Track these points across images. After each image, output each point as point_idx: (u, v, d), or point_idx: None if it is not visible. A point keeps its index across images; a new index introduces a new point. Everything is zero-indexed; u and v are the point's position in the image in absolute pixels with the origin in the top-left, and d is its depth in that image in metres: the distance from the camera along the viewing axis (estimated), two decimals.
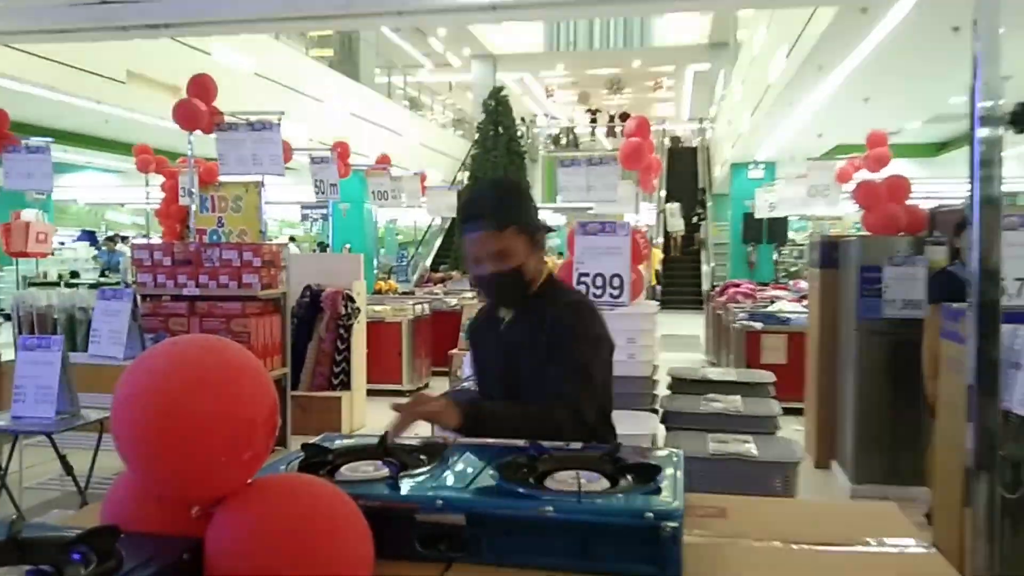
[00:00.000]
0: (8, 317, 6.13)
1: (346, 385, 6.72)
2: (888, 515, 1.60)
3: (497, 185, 2.05)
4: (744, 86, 13.18)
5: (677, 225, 17.93)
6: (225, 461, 1.13)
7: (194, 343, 1.18)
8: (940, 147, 14.34)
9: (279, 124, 5.73)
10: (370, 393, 7.15)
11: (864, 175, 7.34)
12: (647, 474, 1.41)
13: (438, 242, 18.57)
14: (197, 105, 5.63)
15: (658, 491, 1.34)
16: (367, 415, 6.93)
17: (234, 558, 1.12)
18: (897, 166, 7.54)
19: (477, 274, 1.96)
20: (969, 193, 1.52)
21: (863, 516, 1.62)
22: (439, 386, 7.99)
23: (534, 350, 1.94)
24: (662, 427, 3.33)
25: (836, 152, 12.23)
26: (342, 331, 6.76)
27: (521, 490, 1.36)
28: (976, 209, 0.92)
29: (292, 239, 18.72)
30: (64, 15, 6.01)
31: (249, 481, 1.19)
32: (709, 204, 18.25)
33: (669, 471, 1.43)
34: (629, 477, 1.43)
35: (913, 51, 6.90)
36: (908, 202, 5.27)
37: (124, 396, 1.13)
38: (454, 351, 7.60)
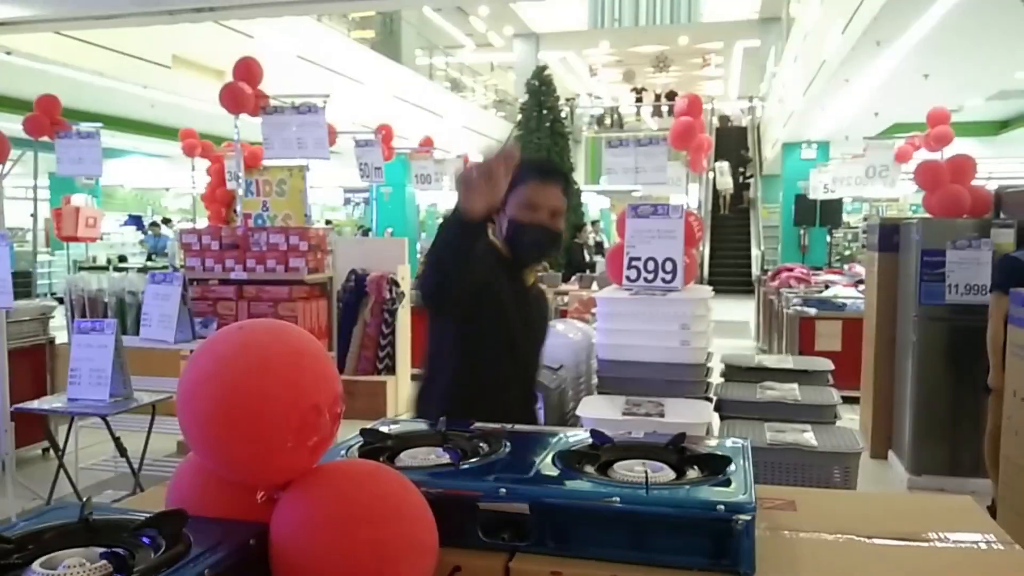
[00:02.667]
0: (61, 300, 6.27)
1: (391, 369, 6.74)
2: (965, 509, 1.54)
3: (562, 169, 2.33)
4: (796, 63, 12.86)
5: (726, 184, 18.27)
6: (291, 446, 1.11)
7: (259, 328, 1.16)
8: (1003, 125, 13.86)
9: (324, 107, 5.73)
10: (414, 378, 7.16)
11: (924, 155, 7.11)
12: (715, 465, 1.37)
13: None
14: (243, 88, 5.65)
15: (728, 483, 1.29)
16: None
17: (300, 543, 1.10)
18: (957, 145, 7.29)
19: (535, 220, 2.04)
20: None
21: (939, 510, 1.56)
22: None
23: (543, 319, 2.30)
24: (716, 415, 3.26)
25: (893, 131, 11.90)
26: (387, 315, 6.78)
27: (586, 480, 1.32)
28: None
29: (328, 222, 18.87)
30: (112, 1, 6.10)
31: (314, 466, 1.18)
32: (759, 182, 18.13)
33: (738, 462, 1.38)
34: (696, 468, 1.39)
35: (977, 24, 6.65)
36: (972, 183, 5.09)
37: (191, 381, 1.11)
38: None
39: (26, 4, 6.00)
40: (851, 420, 5.48)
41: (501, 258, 2.09)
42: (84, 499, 1.14)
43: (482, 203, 1.67)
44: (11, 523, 1.16)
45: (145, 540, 1.08)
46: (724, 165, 18.18)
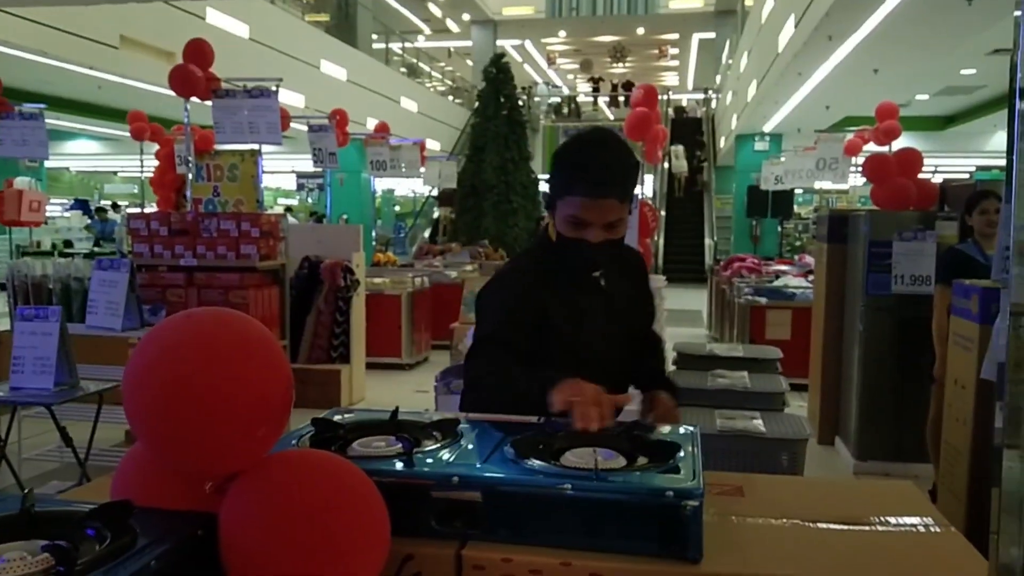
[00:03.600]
0: (3, 287, 6.09)
1: (345, 358, 6.69)
2: (905, 494, 1.59)
3: (625, 153, 1.83)
4: (751, 56, 13.03)
5: (681, 167, 18.50)
6: (240, 437, 1.10)
7: (207, 317, 1.15)
8: (948, 120, 14.23)
9: (277, 91, 5.64)
10: (369, 366, 7.13)
11: (873, 148, 7.27)
12: (664, 452, 1.39)
13: (436, 213, 18.51)
14: (193, 71, 5.53)
15: (677, 469, 1.31)
16: (367, 388, 6.92)
17: (250, 534, 1.09)
18: (905, 139, 7.47)
19: (575, 236, 1.82)
20: (1004, 168, 1.47)
21: (881, 494, 1.61)
22: (440, 360, 7.96)
23: (641, 304, 2.06)
24: None
25: (844, 124, 12.13)
26: (341, 303, 6.72)
27: (538, 467, 1.33)
28: (1014, 185, 0.88)
29: (288, 209, 18.62)
30: None
31: (264, 456, 1.16)
32: (713, 173, 18.40)
33: (687, 449, 1.40)
34: (646, 455, 1.41)
35: (925, 21, 6.80)
36: (918, 176, 5.22)
37: (137, 370, 1.09)
38: (456, 324, 7.55)
39: None
40: (800, 407, 5.60)
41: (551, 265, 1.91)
42: (26, 490, 1.11)
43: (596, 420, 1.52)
44: None
45: (90, 532, 1.06)
46: (679, 148, 18.47)
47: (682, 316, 10.89)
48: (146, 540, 1.04)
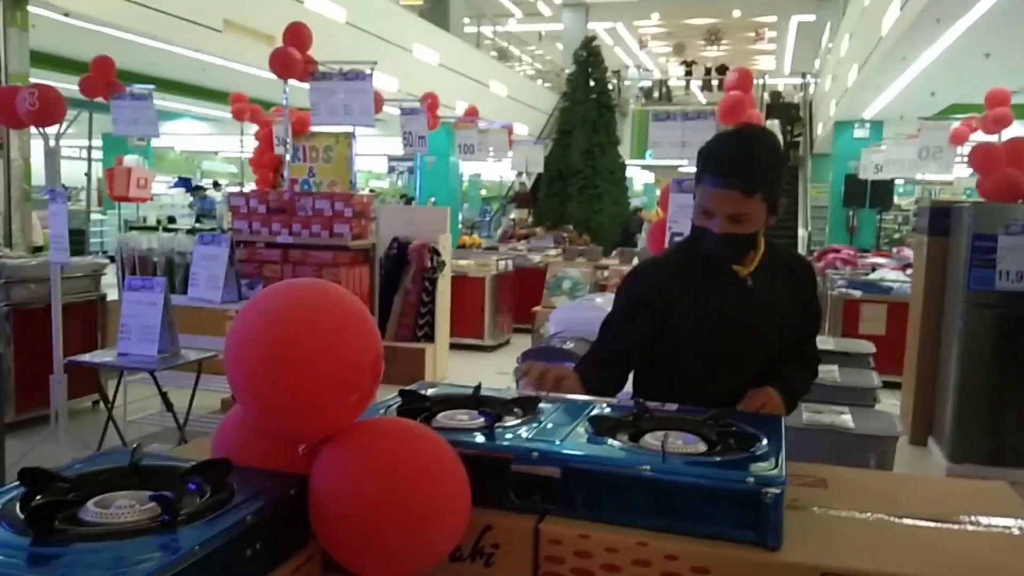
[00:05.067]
0: (112, 259, 6.44)
1: (430, 337, 6.82)
2: (1000, 494, 1.53)
3: (762, 149, 1.82)
4: (852, 39, 12.52)
5: None
6: (333, 402, 1.15)
7: (307, 287, 1.20)
8: None
9: (371, 74, 5.75)
10: (452, 347, 7.24)
11: (981, 137, 6.90)
12: (748, 440, 1.38)
13: (512, 214, 18.55)
14: (292, 54, 5.70)
15: (760, 457, 1.30)
16: (449, 368, 7.04)
17: (339, 495, 1.15)
18: (1015, 128, 7.06)
19: (703, 225, 1.84)
20: None
21: (973, 493, 1.55)
22: (522, 343, 8.03)
23: (792, 306, 1.97)
24: None
25: (950, 112, 11.52)
26: (427, 284, 6.84)
27: (617, 447, 1.34)
28: None
29: (372, 191, 19.01)
30: None
31: (354, 422, 1.21)
32: (810, 161, 17.85)
33: (771, 438, 1.39)
34: (729, 442, 1.40)
35: None
36: None
37: (240, 336, 1.15)
38: (537, 308, 7.60)
39: None
40: (892, 405, 5.41)
41: (708, 261, 1.90)
42: (134, 445, 1.19)
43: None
44: (68, 464, 1.22)
45: (191, 486, 1.13)
46: (775, 123, 18.08)
47: None
48: (242, 496, 1.11)
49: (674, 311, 1.89)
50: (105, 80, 6.29)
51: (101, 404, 5.48)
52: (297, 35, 5.76)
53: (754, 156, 1.80)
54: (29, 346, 4.95)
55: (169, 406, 4.13)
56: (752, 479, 1.20)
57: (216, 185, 18.21)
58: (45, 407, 4.70)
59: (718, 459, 1.30)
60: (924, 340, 5.19)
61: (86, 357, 4.10)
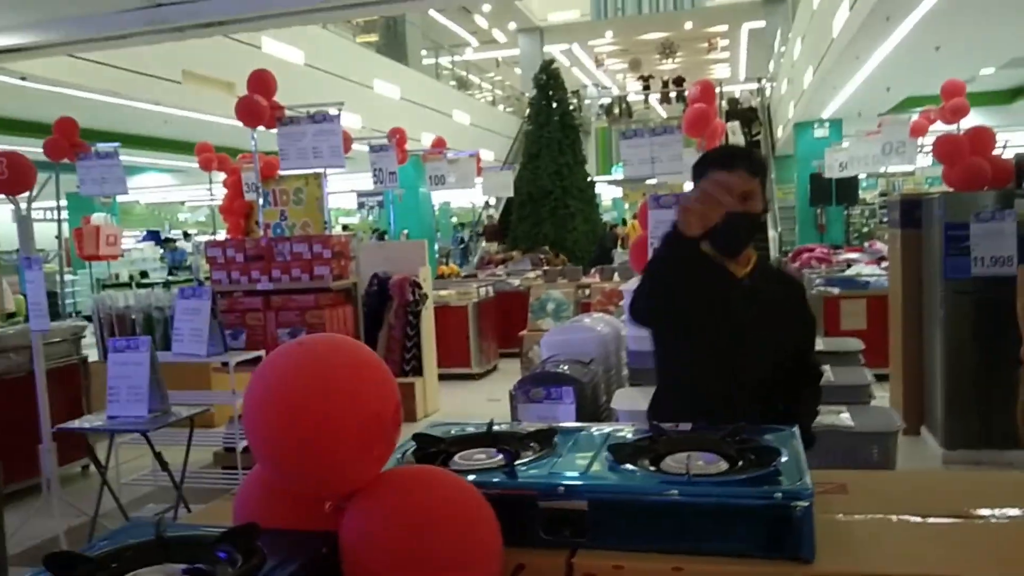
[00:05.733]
0: (88, 319, 6.35)
1: (418, 371, 6.78)
2: (1016, 482, 1.55)
3: (747, 148, 2.18)
4: (805, 41, 12.76)
5: (738, 142, 18.43)
6: (357, 456, 1.14)
7: (319, 343, 1.20)
8: (1016, 93, 13.68)
9: (339, 115, 5.76)
10: (441, 377, 7.21)
11: (940, 128, 7.05)
12: (768, 454, 1.38)
13: (482, 244, 18.61)
14: (258, 101, 5.69)
15: (784, 470, 1.31)
16: (440, 400, 7.00)
17: (371, 550, 1.14)
18: (969, 116, 7.22)
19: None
20: None
21: (994, 486, 1.57)
22: (509, 368, 8.02)
23: (783, 314, 2.06)
24: None
25: (905, 105, 11.78)
26: (411, 317, 6.82)
27: (643, 474, 1.35)
28: None
29: (346, 227, 18.97)
30: (121, 22, 6.15)
31: (379, 473, 1.20)
32: (773, 164, 18.16)
33: (791, 449, 1.40)
34: (748, 457, 1.40)
35: None
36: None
37: (256, 399, 1.14)
38: (524, 332, 7.59)
39: (39, 30, 6.07)
40: (881, 398, 5.46)
41: (703, 261, 1.96)
42: (158, 517, 1.17)
43: (696, 221, 1.76)
44: (90, 544, 1.19)
45: (222, 555, 1.11)
46: (735, 124, 18.58)
47: None
48: (275, 561, 1.09)
49: (674, 298, 1.94)
50: (69, 141, 6.24)
51: (91, 468, 5.37)
52: (261, 82, 5.76)
53: (748, 149, 2.17)
54: (13, 416, 4.85)
55: (164, 465, 4.05)
56: (780, 494, 1.21)
57: (186, 235, 18.07)
58: (33, 476, 4.61)
59: (743, 476, 1.31)
60: (907, 332, 5.26)
61: (75, 423, 4.02)
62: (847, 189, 13.71)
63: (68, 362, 5.42)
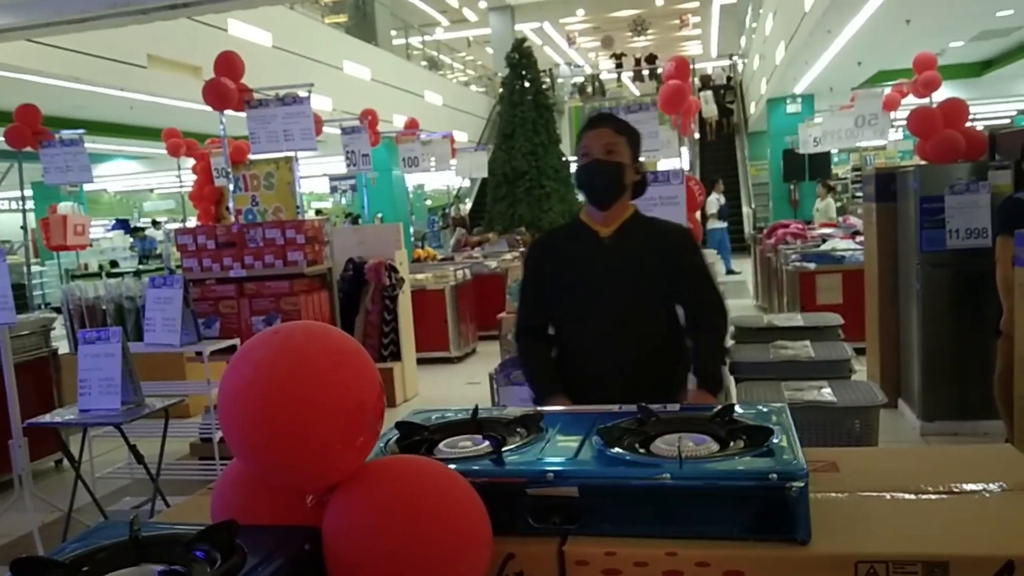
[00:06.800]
0: (57, 310, 6.22)
1: (396, 356, 6.72)
2: (1007, 457, 1.54)
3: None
4: (776, 17, 12.76)
5: (711, 111, 19.02)
6: (339, 447, 1.10)
7: (296, 330, 1.14)
8: (985, 66, 13.81)
9: (309, 97, 5.65)
10: (419, 362, 7.16)
11: (912, 101, 7.08)
12: (760, 433, 1.36)
13: (468, 204, 18.52)
14: (226, 84, 5.56)
15: (777, 450, 1.28)
16: (419, 384, 6.96)
17: (356, 544, 1.09)
18: (940, 89, 7.26)
19: (581, 164, 2.19)
20: None
21: (983, 460, 1.56)
22: (488, 351, 7.97)
23: (647, 267, 2.17)
24: (731, 378, 3.26)
25: (877, 79, 11.85)
26: (388, 302, 6.75)
27: (632, 458, 1.31)
28: None
29: (319, 212, 18.77)
30: (83, 4, 5.98)
31: (362, 465, 1.16)
32: (746, 141, 18.30)
33: (783, 428, 1.37)
34: (739, 437, 1.38)
35: None
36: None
37: (232, 389, 1.09)
38: (502, 314, 7.53)
39: None
40: (858, 372, 5.50)
41: (575, 227, 2.27)
42: (132, 516, 1.12)
43: None
44: (60, 547, 1.14)
45: (199, 555, 1.07)
46: (708, 94, 19.04)
47: (728, 287, 10.76)
48: (256, 559, 1.05)
49: (545, 279, 2.22)
50: (32, 128, 6.09)
51: (65, 463, 5.27)
52: (228, 64, 5.63)
53: (616, 116, 2.29)
54: None
55: (139, 458, 3.97)
56: (775, 475, 1.18)
57: (155, 224, 17.78)
58: (5, 472, 4.51)
59: (735, 457, 1.28)
60: (883, 305, 5.28)
61: (47, 418, 3.92)
62: (820, 164, 13.80)
63: (38, 355, 5.31)
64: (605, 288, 2.16)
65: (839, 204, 13.21)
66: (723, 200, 13.11)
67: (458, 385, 7.16)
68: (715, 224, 12.63)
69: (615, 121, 2.24)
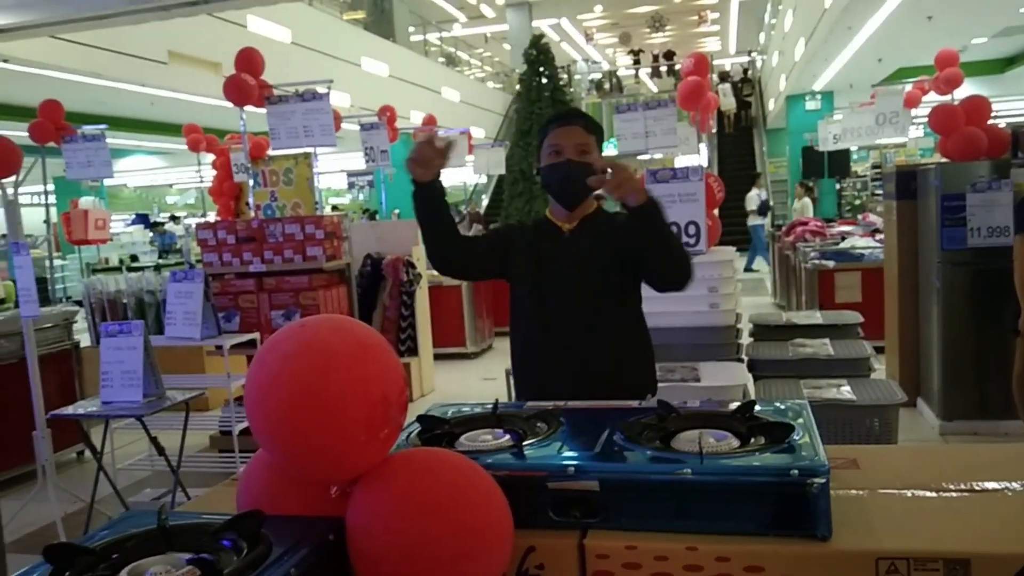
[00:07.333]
0: (79, 304, 6.29)
1: (413, 351, 6.75)
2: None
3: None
4: (796, 13, 12.68)
5: (729, 104, 18.96)
6: (363, 440, 1.11)
7: (321, 324, 1.16)
8: (1008, 62, 13.66)
9: (328, 93, 5.68)
10: (436, 357, 7.19)
11: (933, 98, 7.01)
12: (781, 430, 1.36)
13: (485, 200, 18.52)
14: (246, 80, 5.60)
15: (796, 446, 1.29)
16: (436, 380, 6.98)
17: (379, 535, 1.11)
18: (967, 87, 7.19)
19: (553, 163, 2.18)
20: None
21: (1004, 458, 1.55)
22: (504, 347, 7.97)
23: (605, 257, 2.18)
24: (750, 376, 3.25)
25: (897, 76, 11.76)
26: (405, 298, 6.78)
27: (654, 453, 1.32)
28: None
29: (335, 208, 18.85)
30: (105, 1, 6.04)
31: (385, 457, 1.17)
32: (764, 137, 18.18)
33: (804, 424, 1.37)
34: (760, 433, 1.38)
35: None
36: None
37: (259, 383, 1.11)
38: None
39: (20, 10, 5.95)
40: (877, 370, 5.46)
41: (541, 223, 2.29)
42: (159, 505, 1.14)
43: (416, 169, 2.08)
44: (89, 535, 1.16)
45: (226, 543, 1.08)
46: (726, 87, 19.09)
47: (746, 285, 10.71)
48: (281, 548, 1.06)
49: (511, 256, 2.26)
50: (55, 124, 6.16)
51: (87, 454, 5.35)
52: (249, 60, 5.67)
53: (583, 113, 2.29)
54: (6, 403, 4.81)
55: (160, 450, 4.02)
56: (796, 471, 1.19)
57: (174, 219, 17.92)
58: (27, 463, 4.57)
59: (756, 453, 1.28)
60: (903, 304, 5.25)
61: (69, 409, 3.97)
62: (839, 162, 13.71)
63: (60, 348, 5.37)
64: (563, 280, 2.18)
65: (858, 202, 13.12)
66: (764, 195, 12.91)
67: (475, 381, 7.19)
68: (755, 220, 12.50)
69: (585, 119, 2.25)
